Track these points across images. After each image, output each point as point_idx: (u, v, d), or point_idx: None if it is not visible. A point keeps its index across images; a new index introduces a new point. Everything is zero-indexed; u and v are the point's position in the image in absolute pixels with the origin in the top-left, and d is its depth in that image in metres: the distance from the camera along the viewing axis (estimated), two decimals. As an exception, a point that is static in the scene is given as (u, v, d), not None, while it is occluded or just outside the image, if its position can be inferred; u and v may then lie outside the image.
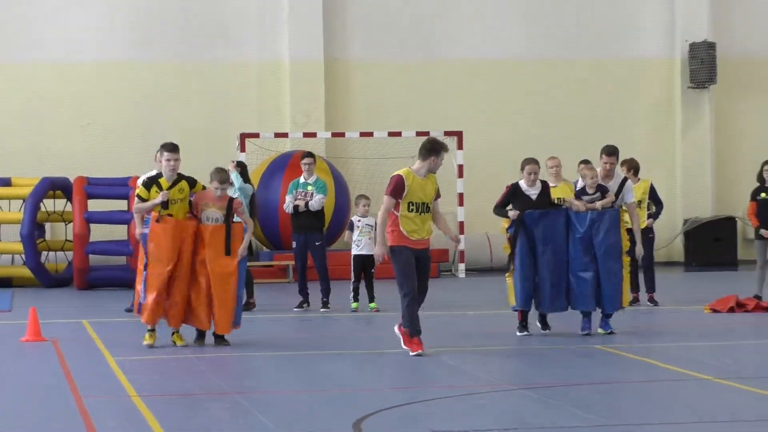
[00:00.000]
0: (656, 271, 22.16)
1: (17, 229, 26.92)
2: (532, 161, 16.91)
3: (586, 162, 17.27)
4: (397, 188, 14.89)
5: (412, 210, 14.95)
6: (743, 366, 15.22)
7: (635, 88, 30.82)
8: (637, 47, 31.28)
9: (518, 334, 17.20)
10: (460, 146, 28.65)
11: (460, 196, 28.80)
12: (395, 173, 15.28)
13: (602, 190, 16.62)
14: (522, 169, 17.07)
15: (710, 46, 30.61)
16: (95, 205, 27.01)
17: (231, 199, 15.67)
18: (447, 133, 28.63)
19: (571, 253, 16.76)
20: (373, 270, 21.26)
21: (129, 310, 21.94)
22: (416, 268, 15.12)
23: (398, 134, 29.08)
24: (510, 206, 16.97)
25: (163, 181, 15.24)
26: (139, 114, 29.50)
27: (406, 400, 13.68)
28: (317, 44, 30.20)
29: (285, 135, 29.10)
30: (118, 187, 26.59)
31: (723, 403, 12.99)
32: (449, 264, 29.29)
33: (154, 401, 13.45)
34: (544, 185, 17.09)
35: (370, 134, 29.35)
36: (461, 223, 28.72)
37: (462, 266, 29.03)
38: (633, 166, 21.68)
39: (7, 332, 19.59)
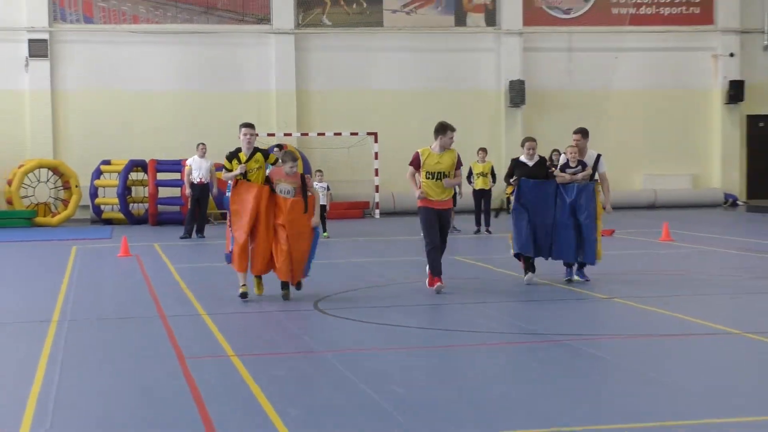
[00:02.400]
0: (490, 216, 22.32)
1: (114, 190, 27.02)
2: (531, 139, 14.05)
3: (573, 137, 13.87)
4: (413, 161, 12.80)
5: (430, 178, 12.58)
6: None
7: (479, 108, 30.88)
8: (480, 83, 31.32)
9: (524, 279, 13.69)
10: (376, 140, 28.72)
11: (376, 170, 28.81)
12: (416, 151, 12.98)
13: (582, 165, 13.61)
14: (522, 145, 13.98)
15: (521, 83, 30.68)
16: (161, 176, 27.00)
17: (303, 175, 12.51)
18: (369, 133, 28.68)
19: (558, 215, 13.41)
20: (325, 213, 21.18)
21: (182, 238, 21.94)
22: (440, 221, 12.77)
23: (339, 134, 29.12)
24: (514, 177, 13.73)
25: (242, 155, 12.25)
26: (185, 122, 29.34)
27: (348, 288, 13.77)
28: (291, 80, 30.07)
29: (273, 134, 28.94)
30: (174, 165, 26.68)
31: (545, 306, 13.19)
32: (370, 209, 29.29)
33: (198, 290, 13.99)
34: (542, 159, 14.06)
35: (323, 134, 29.34)
36: (377, 186, 28.78)
37: (377, 211, 29.03)
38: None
39: (109, 251, 19.81)
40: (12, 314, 12.07)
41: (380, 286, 14.01)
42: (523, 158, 13.86)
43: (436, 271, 12.70)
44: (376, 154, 28.79)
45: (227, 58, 30.17)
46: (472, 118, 30.60)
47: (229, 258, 12.57)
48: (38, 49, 28.88)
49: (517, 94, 30.76)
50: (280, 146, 22.32)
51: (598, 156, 13.69)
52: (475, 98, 31.00)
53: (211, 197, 23.31)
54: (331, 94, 30.37)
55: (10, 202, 27.30)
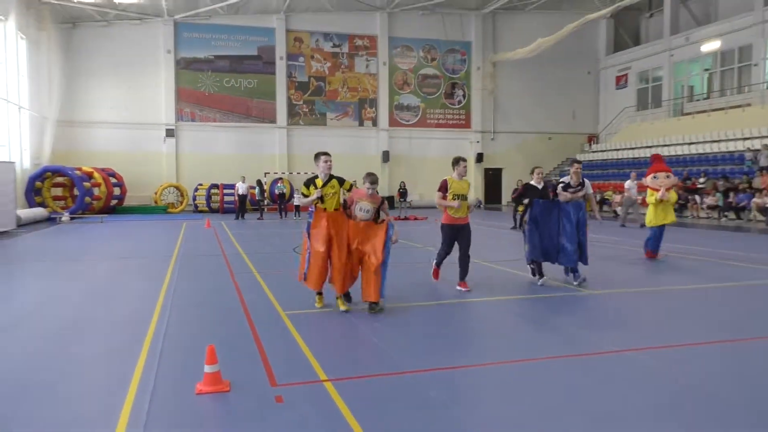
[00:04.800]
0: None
1: (204, 197, 26.33)
2: (539, 167, 8.29)
3: (574, 166, 8.27)
4: (441, 187, 7.56)
5: (455, 199, 7.49)
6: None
7: (368, 163, 30.54)
8: (369, 151, 31.19)
9: (536, 279, 8.14)
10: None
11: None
12: (443, 178, 7.68)
13: (581, 185, 8.25)
14: (532, 172, 8.23)
15: (388, 152, 30.56)
16: (225, 191, 26.47)
17: (383, 198, 6.70)
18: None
19: (563, 228, 8.01)
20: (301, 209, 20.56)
21: (235, 219, 21.37)
22: (460, 235, 7.56)
23: (306, 173, 28.94)
24: (524, 198, 8.27)
25: (318, 181, 6.64)
26: (235, 166, 28.68)
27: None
28: (285, 149, 29.69)
29: (276, 172, 28.70)
30: (230, 186, 26.17)
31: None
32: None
33: (242, 243, 13.49)
34: (546, 184, 8.31)
35: (299, 172, 29.12)
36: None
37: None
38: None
39: (200, 225, 19.20)
40: (153, 254, 11.79)
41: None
42: (533, 182, 8.35)
43: (438, 265, 8.08)
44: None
45: (256, 139, 29.57)
46: (365, 168, 30.71)
47: (304, 276, 6.50)
48: (170, 133, 28.28)
49: (385, 157, 30.86)
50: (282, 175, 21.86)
51: (585, 180, 8.52)
52: (366, 159, 30.89)
53: (248, 201, 23.37)
54: (303, 156, 29.99)
55: (156, 203, 26.90)
